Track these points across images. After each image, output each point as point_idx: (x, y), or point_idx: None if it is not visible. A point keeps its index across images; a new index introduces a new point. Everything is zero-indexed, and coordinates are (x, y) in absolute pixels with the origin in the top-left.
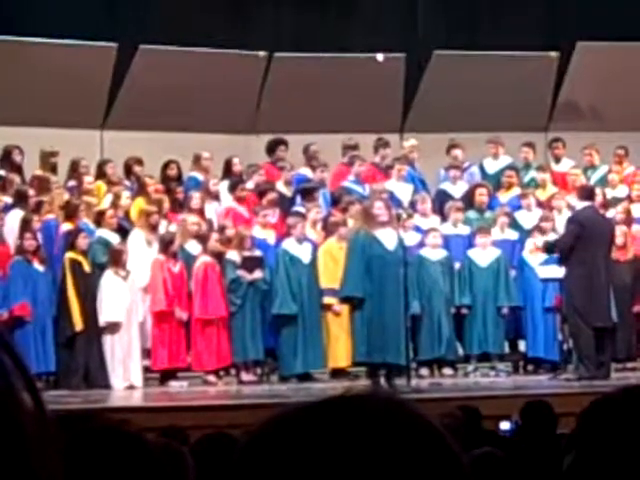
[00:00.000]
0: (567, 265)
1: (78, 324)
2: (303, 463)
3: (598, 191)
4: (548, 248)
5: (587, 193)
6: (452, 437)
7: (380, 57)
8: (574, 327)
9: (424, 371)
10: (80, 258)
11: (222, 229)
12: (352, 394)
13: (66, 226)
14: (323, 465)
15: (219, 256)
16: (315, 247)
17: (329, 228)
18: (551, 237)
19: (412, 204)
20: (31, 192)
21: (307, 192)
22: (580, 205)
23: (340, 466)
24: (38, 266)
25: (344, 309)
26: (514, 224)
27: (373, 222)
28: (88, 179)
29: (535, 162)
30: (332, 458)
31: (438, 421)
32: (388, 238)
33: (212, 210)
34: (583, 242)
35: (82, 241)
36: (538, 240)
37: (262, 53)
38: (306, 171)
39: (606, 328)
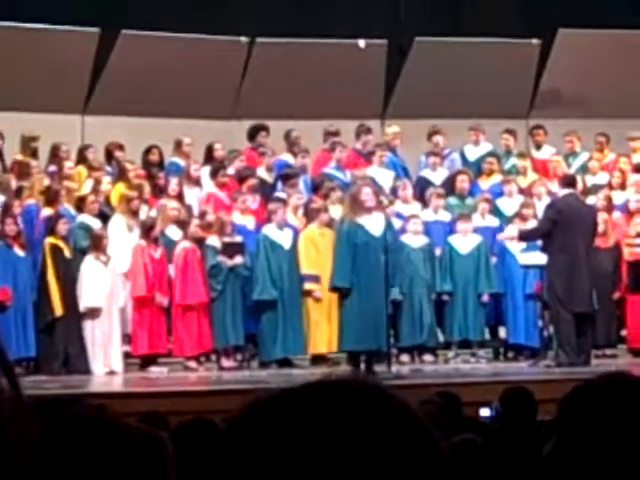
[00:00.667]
0: (548, 251)
1: (58, 309)
2: (283, 447)
3: (579, 178)
4: (522, 236)
5: (569, 181)
6: (432, 423)
7: (362, 43)
8: (554, 313)
9: (405, 357)
10: (60, 243)
11: (203, 215)
12: (331, 379)
13: (47, 211)
14: (302, 449)
15: (199, 242)
16: (296, 233)
17: (310, 214)
18: (529, 225)
19: (393, 190)
20: (12, 177)
21: (287, 178)
22: (562, 192)
23: (319, 450)
24: (19, 251)
25: (326, 295)
26: (495, 211)
27: (360, 208)
28: (69, 164)
29: (516, 149)
30: (311, 443)
31: (418, 407)
32: (374, 224)
33: (193, 196)
34: (564, 229)
35: (62, 226)
36: (512, 229)
37: (244, 38)
38: (287, 157)
39: (587, 314)
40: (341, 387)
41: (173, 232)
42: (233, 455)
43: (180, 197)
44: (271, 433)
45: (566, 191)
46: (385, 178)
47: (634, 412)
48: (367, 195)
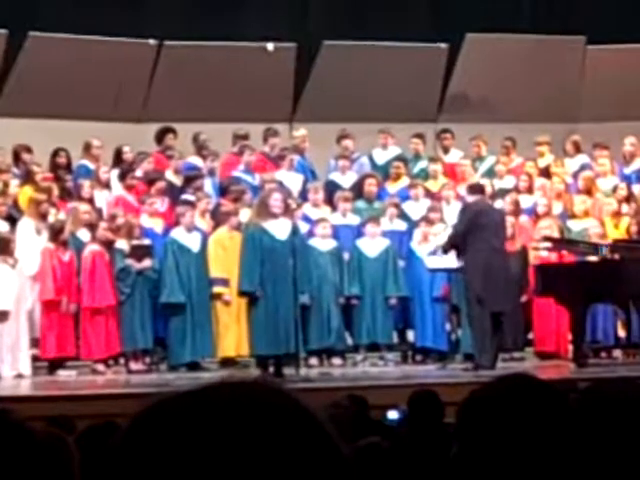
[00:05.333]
0: (464, 253)
1: None
2: (179, 448)
3: (487, 182)
4: (445, 248)
5: (476, 189)
6: (332, 426)
7: (270, 47)
8: (474, 314)
9: (313, 361)
10: None
11: (113, 218)
12: (230, 381)
13: None
14: (198, 450)
15: (108, 245)
16: (204, 236)
17: (220, 217)
18: (435, 229)
19: (302, 194)
20: None
21: (190, 179)
22: (470, 198)
23: (214, 452)
24: None
25: (235, 299)
26: (403, 215)
27: (266, 213)
28: None
29: (426, 153)
30: (206, 444)
31: (325, 410)
32: (279, 228)
33: (102, 198)
34: (479, 231)
35: None
36: (419, 234)
37: (152, 41)
38: (196, 160)
39: (503, 313)
40: (239, 389)
41: (84, 235)
42: (131, 454)
43: (91, 200)
44: (168, 433)
45: (475, 197)
46: (294, 182)
47: (530, 413)
48: (276, 201)
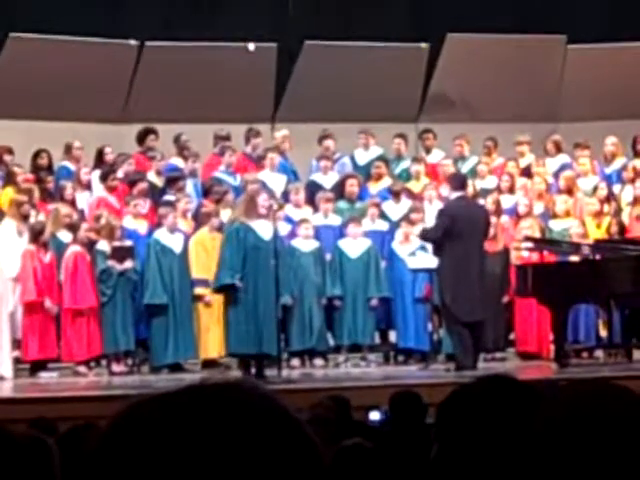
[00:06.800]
0: (439, 258)
1: None
2: (157, 450)
3: (469, 182)
4: (422, 235)
5: (459, 182)
6: (310, 427)
7: (251, 47)
8: (447, 319)
9: (295, 362)
10: None
11: (97, 218)
12: (209, 383)
13: None
14: (176, 452)
15: (89, 246)
16: (186, 237)
17: (201, 218)
18: (417, 229)
19: (285, 194)
20: None
21: (171, 181)
22: (453, 195)
23: (192, 453)
24: None
25: (215, 300)
26: (383, 215)
27: (254, 211)
28: None
29: (408, 153)
30: (184, 445)
31: (308, 411)
32: (264, 228)
33: (84, 200)
34: (455, 234)
35: None
36: (412, 230)
37: (133, 42)
38: (177, 161)
39: (477, 322)
40: (216, 391)
41: (65, 236)
42: (110, 459)
43: (73, 201)
44: (147, 437)
45: (456, 194)
46: (277, 182)
47: (509, 413)
48: (265, 201)
